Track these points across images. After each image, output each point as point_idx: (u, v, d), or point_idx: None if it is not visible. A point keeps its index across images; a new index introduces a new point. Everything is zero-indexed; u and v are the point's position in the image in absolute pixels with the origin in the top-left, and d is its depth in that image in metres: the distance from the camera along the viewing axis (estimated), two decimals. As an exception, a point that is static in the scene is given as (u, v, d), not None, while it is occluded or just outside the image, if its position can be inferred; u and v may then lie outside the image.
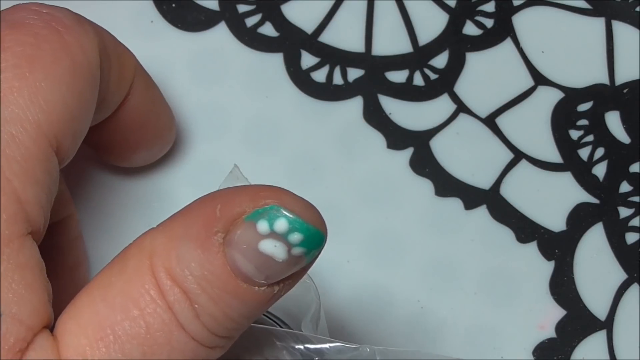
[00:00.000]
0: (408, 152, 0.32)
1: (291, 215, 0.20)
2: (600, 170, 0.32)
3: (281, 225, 0.20)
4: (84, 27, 0.23)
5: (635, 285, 0.31)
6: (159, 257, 0.20)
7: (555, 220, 0.32)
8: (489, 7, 0.33)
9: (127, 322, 0.20)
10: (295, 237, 0.20)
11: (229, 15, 0.33)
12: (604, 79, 0.33)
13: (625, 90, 0.33)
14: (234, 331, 0.21)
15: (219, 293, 0.20)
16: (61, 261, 0.28)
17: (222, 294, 0.20)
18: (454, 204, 0.32)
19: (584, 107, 0.33)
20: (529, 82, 0.33)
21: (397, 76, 0.33)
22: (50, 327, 0.20)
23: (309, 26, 0.33)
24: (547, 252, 0.32)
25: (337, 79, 0.33)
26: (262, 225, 0.20)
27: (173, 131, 0.30)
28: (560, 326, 0.31)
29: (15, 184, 0.20)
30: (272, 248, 0.20)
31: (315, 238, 0.20)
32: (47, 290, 0.21)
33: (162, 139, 0.30)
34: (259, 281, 0.20)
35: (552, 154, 0.32)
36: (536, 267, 0.32)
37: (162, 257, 0.20)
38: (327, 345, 0.24)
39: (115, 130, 0.27)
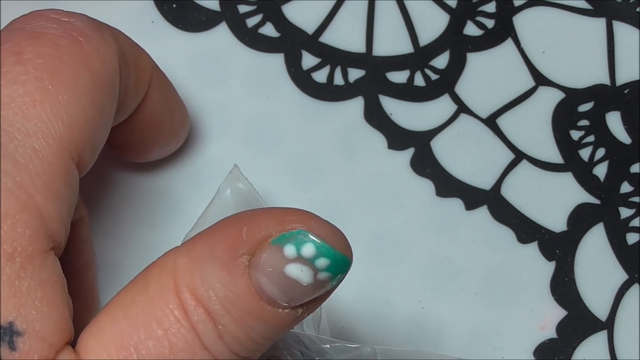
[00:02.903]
0: (409, 153, 0.32)
1: (318, 241, 0.20)
2: (601, 171, 0.32)
3: (308, 250, 0.20)
4: (103, 36, 0.23)
5: (636, 286, 0.31)
6: (183, 277, 0.20)
7: (556, 221, 0.32)
8: (490, 7, 0.33)
9: (151, 342, 0.20)
10: (322, 262, 0.20)
11: (229, 15, 0.33)
12: (605, 80, 0.33)
13: (626, 91, 0.33)
14: (256, 352, 0.21)
15: (243, 315, 0.20)
16: (71, 263, 0.28)
17: (246, 315, 0.20)
18: (455, 204, 0.32)
19: (584, 107, 0.33)
20: (529, 82, 0.33)
21: (398, 76, 0.33)
22: (71, 343, 0.21)
23: (309, 26, 0.33)
24: (547, 252, 0.32)
25: (338, 80, 0.33)
26: (289, 250, 0.20)
27: (187, 127, 0.30)
28: (561, 326, 0.31)
29: (37, 199, 0.20)
30: (299, 272, 0.20)
31: (341, 263, 0.20)
32: (69, 306, 0.21)
33: (177, 136, 0.30)
34: (282, 304, 0.20)
35: (553, 155, 0.32)
36: (537, 268, 0.32)
37: (186, 277, 0.20)
38: (328, 345, 0.24)
39: (131, 130, 0.27)
